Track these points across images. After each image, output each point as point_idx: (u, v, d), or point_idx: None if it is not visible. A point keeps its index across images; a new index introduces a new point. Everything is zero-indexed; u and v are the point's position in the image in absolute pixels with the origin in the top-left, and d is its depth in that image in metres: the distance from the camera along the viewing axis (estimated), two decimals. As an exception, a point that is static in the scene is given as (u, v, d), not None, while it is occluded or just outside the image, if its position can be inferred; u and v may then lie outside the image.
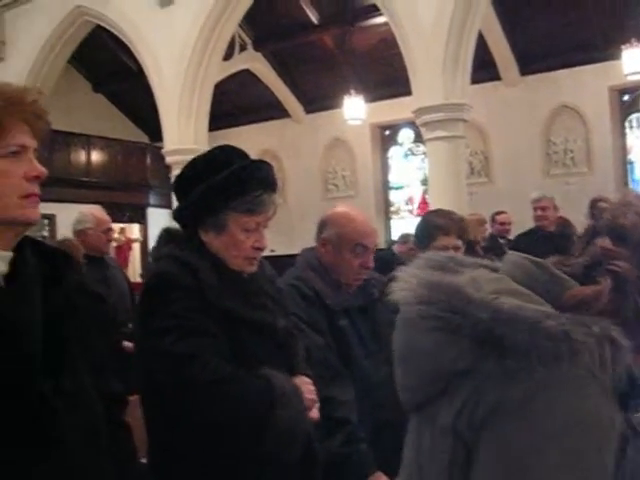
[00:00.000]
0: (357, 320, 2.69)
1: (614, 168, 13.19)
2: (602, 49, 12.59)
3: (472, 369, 1.04)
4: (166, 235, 2.21)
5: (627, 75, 11.93)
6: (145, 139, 17.97)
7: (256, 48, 15.08)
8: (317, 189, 15.99)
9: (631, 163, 13.66)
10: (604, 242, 1.10)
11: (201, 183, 2.09)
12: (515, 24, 13.05)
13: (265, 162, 2.22)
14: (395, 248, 9.48)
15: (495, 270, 1.20)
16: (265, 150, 16.78)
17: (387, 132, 15.91)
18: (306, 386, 2.12)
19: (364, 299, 2.77)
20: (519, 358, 0.99)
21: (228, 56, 13.93)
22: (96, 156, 16.15)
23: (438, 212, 3.36)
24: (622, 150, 13.58)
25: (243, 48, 14.88)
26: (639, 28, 12.00)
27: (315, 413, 2.12)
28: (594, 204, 5.79)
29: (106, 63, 16.45)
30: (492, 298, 1.06)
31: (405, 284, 1.15)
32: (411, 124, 12.59)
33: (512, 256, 1.21)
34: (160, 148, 12.70)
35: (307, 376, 2.19)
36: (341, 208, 2.85)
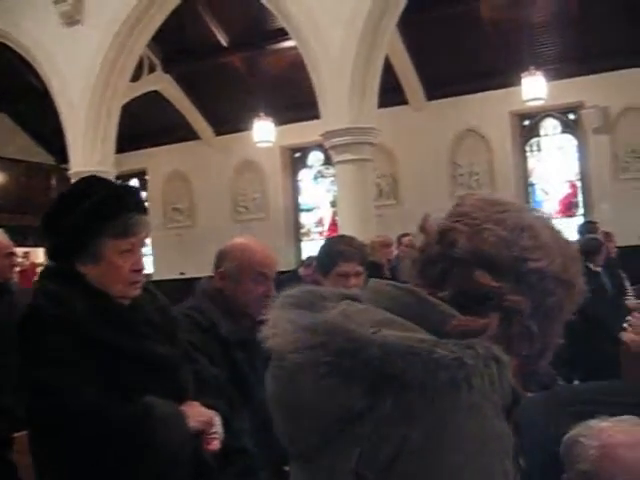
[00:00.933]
0: (255, 353, 2.60)
1: (516, 190, 13.63)
2: (503, 76, 13.03)
3: (368, 411, 0.98)
4: (45, 271, 2.21)
5: (527, 101, 12.41)
6: (51, 160, 17.46)
7: (165, 69, 14.94)
8: (227, 211, 15.90)
9: (532, 185, 14.17)
10: (484, 277, 1.08)
11: (69, 216, 2.07)
12: (421, 50, 13.40)
13: (131, 186, 2.24)
14: (300, 271, 9.50)
15: (357, 299, 1.14)
16: (174, 172, 16.63)
17: (297, 155, 15.99)
18: (195, 410, 2.10)
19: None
20: (416, 393, 0.95)
21: (136, 77, 13.75)
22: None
23: (340, 238, 3.40)
24: (523, 173, 14.08)
25: (152, 69, 14.71)
26: (538, 56, 12.53)
27: (214, 444, 2.10)
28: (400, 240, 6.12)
29: (10, 82, 15.92)
30: (373, 332, 1.00)
31: (278, 329, 1.07)
32: (321, 147, 12.70)
33: (373, 283, 1.16)
34: (66, 170, 12.39)
35: (207, 406, 2.16)
36: (239, 240, 2.84)
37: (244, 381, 2.59)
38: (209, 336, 2.58)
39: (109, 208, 2.09)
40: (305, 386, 1.03)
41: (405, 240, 8.41)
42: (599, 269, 6.02)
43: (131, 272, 2.12)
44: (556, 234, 1.17)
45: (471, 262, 1.09)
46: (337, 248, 3.13)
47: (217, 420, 2.15)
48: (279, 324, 1.07)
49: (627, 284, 7.53)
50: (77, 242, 2.08)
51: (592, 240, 6.25)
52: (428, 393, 0.95)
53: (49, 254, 2.18)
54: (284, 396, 1.08)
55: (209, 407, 2.18)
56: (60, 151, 13.89)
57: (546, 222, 1.18)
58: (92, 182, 2.24)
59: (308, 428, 1.05)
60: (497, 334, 1.06)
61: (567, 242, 1.18)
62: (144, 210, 2.23)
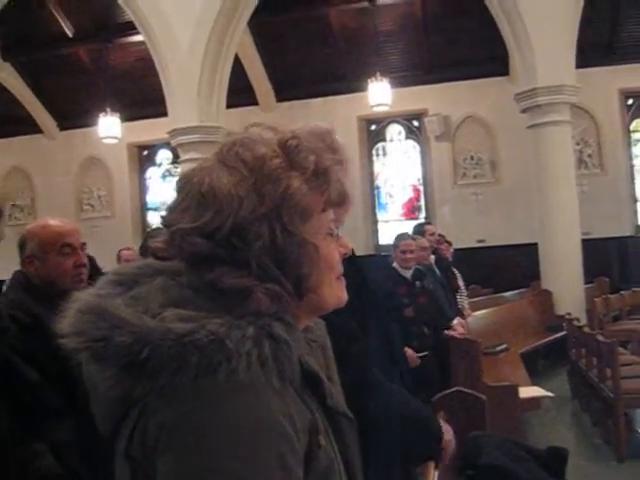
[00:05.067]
0: None
1: (362, 193, 14.02)
2: (352, 81, 13.39)
3: (132, 395, 0.98)
4: None
5: (373, 106, 12.78)
6: None
7: (4, 57, 14.19)
8: (71, 209, 15.31)
9: (378, 188, 14.62)
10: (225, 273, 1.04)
11: None
12: (272, 53, 13.52)
13: None
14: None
15: (178, 274, 1.10)
16: (14, 167, 15.85)
17: (145, 152, 15.67)
18: None
19: None
20: (169, 377, 0.95)
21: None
22: None
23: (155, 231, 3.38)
24: (370, 176, 14.50)
25: (-9, 58, 13.96)
26: (384, 64, 12.94)
27: None
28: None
29: None
30: (141, 316, 0.99)
31: (68, 310, 1.04)
32: (169, 145, 12.51)
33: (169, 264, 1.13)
34: None
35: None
36: (35, 221, 2.77)
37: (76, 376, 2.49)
38: (34, 333, 2.46)
39: None
40: (87, 368, 1.03)
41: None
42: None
43: None
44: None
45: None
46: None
47: None
48: (72, 305, 1.05)
49: (461, 283, 7.90)
50: None
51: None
52: (179, 378, 0.94)
53: None
54: (86, 380, 1.07)
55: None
56: None
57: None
58: None
59: (101, 408, 1.06)
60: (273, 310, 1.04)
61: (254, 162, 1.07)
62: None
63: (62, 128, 15.54)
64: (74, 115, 14.91)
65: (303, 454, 0.99)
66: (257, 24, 12.28)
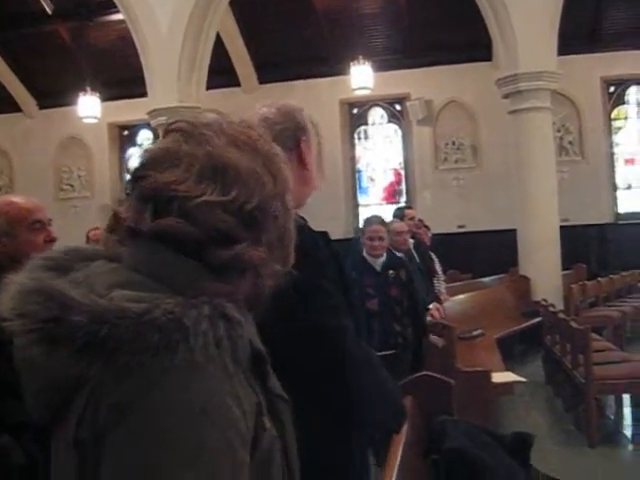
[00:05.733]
0: None
1: (344, 176, 14.01)
2: (334, 64, 13.33)
3: (83, 377, 0.95)
4: None
5: (355, 90, 12.75)
6: None
7: (-16, 37, 14.00)
8: (50, 189, 15.16)
9: (359, 172, 14.60)
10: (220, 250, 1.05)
11: None
12: (255, 34, 13.41)
13: None
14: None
15: (116, 259, 1.10)
16: (-7, 146, 15.71)
17: (125, 132, 15.55)
18: None
19: None
20: (126, 357, 0.93)
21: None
22: None
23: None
24: (351, 160, 14.47)
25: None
26: (367, 47, 12.89)
27: None
28: None
29: None
30: (92, 297, 0.97)
31: (6, 293, 1.02)
32: (150, 125, 12.41)
33: (134, 243, 1.10)
34: None
35: None
36: None
37: None
38: None
39: None
40: (27, 354, 0.99)
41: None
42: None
43: None
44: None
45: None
46: None
47: None
48: (11, 287, 1.02)
49: (439, 268, 7.91)
50: None
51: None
52: (138, 357, 0.92)
53: None
54: (20, 360, 1.03)
55: None
56: None
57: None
58: None
59: (38, 395, 1.03)
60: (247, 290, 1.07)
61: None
62: None
63: (42, 107, 15.36)
64: (54, 94, 14.74)
65: (250, 437, 0.99)
66: (239, 3, 12.15)
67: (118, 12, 11.29)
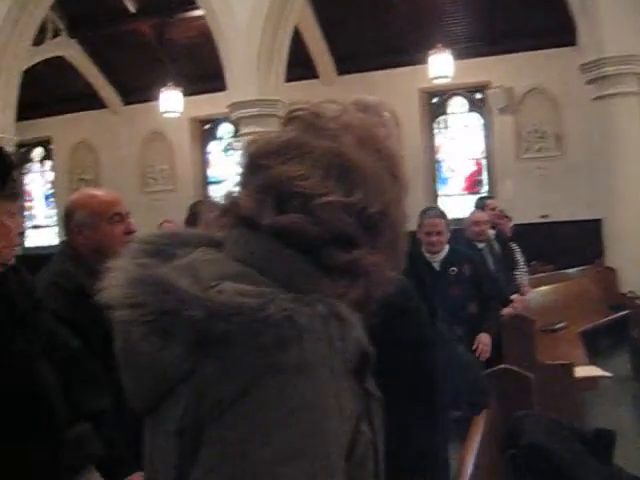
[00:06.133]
0: None
1: (423, 166, 13.87)
2: (413, 53, 13.18)
3: (194, 370, 0.94)
4: None
5: (434, 79, 12.59)
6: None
7: (70, 34, 14.45)
8: (135, 183, 15.59)
9: (439, 162, 14.43)
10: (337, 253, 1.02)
11: None
12: (333, 26, 13.40)
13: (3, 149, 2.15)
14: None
15: (219, 245, 1.08)
16: (81, 141, 16.21)
17: (206, 126, 15.80)
18: None
19: None
20: (241, 350, 0.91)
21: (39, 41, 13.28)
22: None
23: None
24: (431, 149, 14.31)
25: (57, 34, 14.21)
26: (446, 34, 12.70)
27: None
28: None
29: None
30: (206, 289, 0.95)
31: (114, 280, 1.01)
32: (230, 119, 12.57)
33: (238, 230, 1.07)
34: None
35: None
36: (77, 193, 2.81)
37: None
38: (78, 301, 2.49)
39: (3, 169, 2.02)
40: (138, 343, 0.98)
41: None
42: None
43: (16, 236, 2.07)
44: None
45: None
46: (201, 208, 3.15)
47: None
48: (116, 275, 1.02)
49: (521, 259, 7.74)
50: None
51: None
52: (249, 353, 0.91)
53: None
54: (123, 352, 1.05)
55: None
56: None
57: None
58: None
59: (145, 384, 1.03)
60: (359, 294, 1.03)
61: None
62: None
63: (126, 103, 15.78)
64: (137, 90, 15.12)
65: (346, 441, 0.97)
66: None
67: (198, 8, 11.49)
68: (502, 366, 3.36)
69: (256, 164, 1.06)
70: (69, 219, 2.69)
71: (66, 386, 2.14)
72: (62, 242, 2.76)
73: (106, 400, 2.38)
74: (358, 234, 1.01)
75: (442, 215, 4.82)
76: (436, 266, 4.72)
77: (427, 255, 4.70)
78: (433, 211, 4.83)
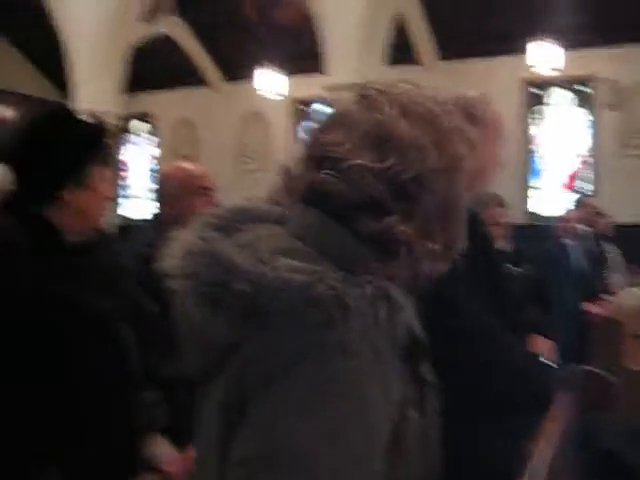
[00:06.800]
0: None
1: (517, 157, 13.54)
2: (516, 41, 12.83)
3: (240, 342, 0.98)
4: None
5: (537, 69, 12.24)
6: (55, 94, 17.09)
7: (178, 13, 14.75)
8: (232, 160, 15.83)
9: (534, 153, 14.02)
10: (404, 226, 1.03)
11: (60, 142, 2.06)
12: (436, 9, 13.20)
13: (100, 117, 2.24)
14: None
15: (285, 222, 1.11)
16: (182, 118, 16.56)
17: (303, 107, 15.86)
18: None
19: None
20: (287, 326, 0.94)
21: (149, 19, 13.63)
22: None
23: None
24: (527, 141, 13.94)
25: (164, 11, 14.54)
26: (549, 23, 12.30)
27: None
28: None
29: (12, 5, 15.22)
30: (259, 264, 0.98)
31: (173, 250, 1.07)
32: (327, 101, 12.59)
33: (307, 211, 1.10)
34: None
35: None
36: (170, 165, 2.90)
37: None
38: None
39: (98, 137, 2.12)
40: (190, 312, 1.03)
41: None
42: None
43: (107, 200, 2.18)
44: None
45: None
46: None
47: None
48: (176, 246, 1.08)
49: (617, 260, 7.51)
50: (70, 167, 2.06)
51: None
52: (294, 329, 0.93)
53: (30, 180, 2.09)
54: (181, 318, 1.09)
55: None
56: (65, 85, 13.53)
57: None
58: (67, 112, 2.23)
59: (196, 352, 1.08)
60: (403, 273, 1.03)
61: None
62: None
63: (226, 80, 16.01)
64: (237, 68, 15.29)
65: (392, 425, 0.98)
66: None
67: (302, -11, 11.54)
68: (584, 367, 3.28)
69: (309, 137, 1.12)
70: (159, 190, 2.79)
71: (143, 352, 2.21)
72: (154, 214, 2.86)
73: (176, 368, 2.43)
74: (387, 200, 1.02)
75: (502, 203, 4.17)
76: None
77: None
78: (492, 198, 4.02)
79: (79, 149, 2.08)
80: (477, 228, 1.98)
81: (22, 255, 1.93)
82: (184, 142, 16.54)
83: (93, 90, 11.73)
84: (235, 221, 1.13)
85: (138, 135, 17.74)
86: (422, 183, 1.02)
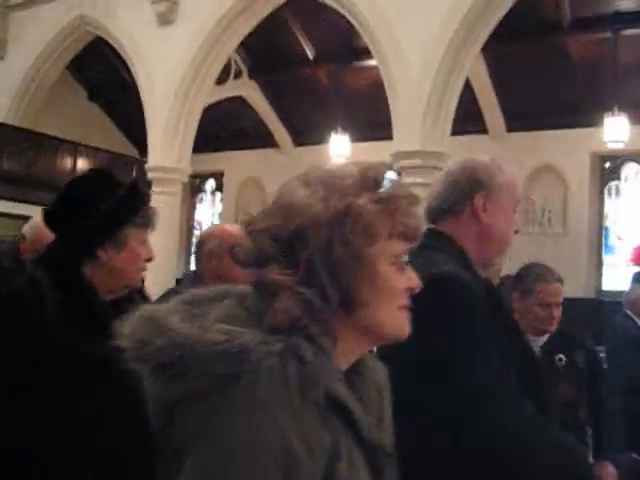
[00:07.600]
0: None
1: (589, 232, 13.31)
2: (586, 114, 12.77)
3: (167, 398, 1.03)
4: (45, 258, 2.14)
5: (608, 143, 12.10)
6: (135, 153, 17.94)
7: (251, 76, 15.27)
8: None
9: (607, 229, 13.75)
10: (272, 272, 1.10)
11: (103, 202, 2.12)
12: (505, 81, 13.27)
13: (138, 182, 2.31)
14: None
15: (245, 297, 1.17)
16: (250, 177, 16.92)
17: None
18: None
19: None
20: (200, 382, 0.99)
21: (222, 81, 14.11)
22: (82, 164, 16.13)
23: None
24: (599, 216, 13.70)
25: (238, 75, 15.06)
26: (622, 97, 12.20)
27: None
28: None
29: (103, 74, 16.54)
30: (191, 327, 1.04)
31: (129, 320, 1.12)
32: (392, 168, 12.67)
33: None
34: (145, 163, 12.75)
35: None
36: (213, 225, 2.98)
37: None
38: None
39: (138, 199, 2.19)
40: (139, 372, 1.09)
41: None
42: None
43: (145, 262, 2.23)
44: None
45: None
46: None
47: None
48: (131, 316, 1.12)
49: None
50: (107, 228, 2.13)
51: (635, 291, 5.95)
52: (207, 384, 0.98)
53: (68, 237, 2.12)
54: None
55: None
56: (144, 145, 14.13)
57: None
58: (109, 174, 2.30)
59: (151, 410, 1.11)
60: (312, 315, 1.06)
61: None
62: None
63: (296, 144, 16.35)
64: (308, 133, 15.66)
65: (317, 476, 1.00)
66: (491, 50, 12.09)
67: (372, 58, 11.75)
68: (629, 454, 3.15)
69: None
70: (201, 247, 2.88)
71: None
72: (190, 272, 2.93)
73: None
74: (276, 253, 1.09)
75: (561, 280, 3.41)
76: (536, 352, 3.12)
77: (530, 336, 3.12)
78: (551, 274, 3.37)
79: (118, 211, 2.14)
80: (494, 297, 1.96)
81: (48, 311, 1.86)
82: (250, 201, 16.84)
83: (167, 149, 12.15)
84: (210, 298, 1.17)
85: (207, 192, 18.21)
86: (303, 233, 1.07)
